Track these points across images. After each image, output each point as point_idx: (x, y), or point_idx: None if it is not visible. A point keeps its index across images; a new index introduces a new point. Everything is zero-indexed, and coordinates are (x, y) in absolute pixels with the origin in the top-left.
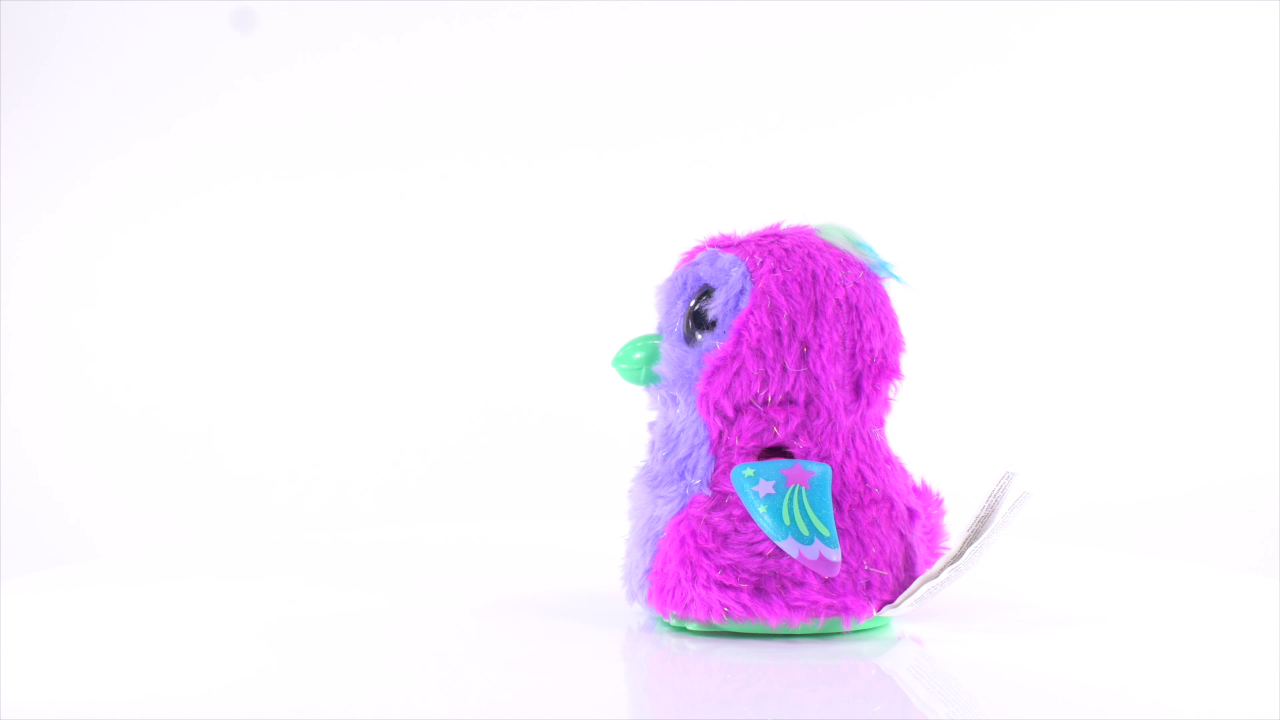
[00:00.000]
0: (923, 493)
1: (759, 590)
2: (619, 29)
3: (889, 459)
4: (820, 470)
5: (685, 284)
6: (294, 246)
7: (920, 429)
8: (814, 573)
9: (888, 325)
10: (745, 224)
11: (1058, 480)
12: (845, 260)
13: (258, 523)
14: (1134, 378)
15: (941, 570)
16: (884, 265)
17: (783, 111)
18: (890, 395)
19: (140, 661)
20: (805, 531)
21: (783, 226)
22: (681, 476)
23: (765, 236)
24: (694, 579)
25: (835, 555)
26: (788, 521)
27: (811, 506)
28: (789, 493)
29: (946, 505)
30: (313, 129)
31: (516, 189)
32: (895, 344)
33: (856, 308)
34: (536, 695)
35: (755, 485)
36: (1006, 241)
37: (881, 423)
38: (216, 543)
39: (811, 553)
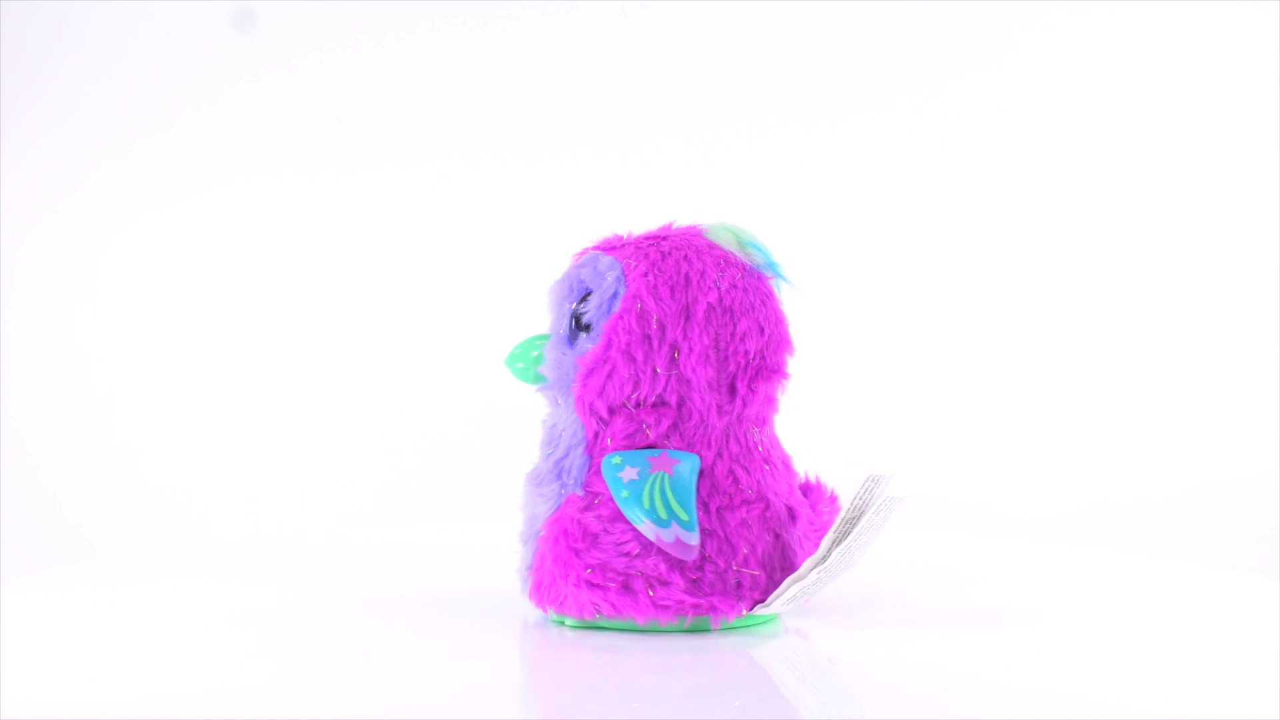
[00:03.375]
0: (815, 489)
1: (627, 589)
2: (619, 29)
3: (768, 459)
4: (686, 460)
5: (571, 286)
6: (293, 246)
7: (913, 430)
8: (679, 573)
9: (768, 326)
10: (642, 224)
11: (1058, 480)
12: (726, 261)
13: (257, 523)
14: (1134, 378)
15: (809, 571)
16: (772, 265)
17: (783, 111)
18: (774, 395)
19: (139, 661)
20: (664, 515)
21: (675, 226)
22: (558, 476)
23: (649, 238)
24: (566, 577)
25: (692, 539)
26: (647, 505)
27: (673, 492)
28: (652, 479)
29: (842, 503)
30: (312, 129)
31: (516, 189)
32: (778, 345)
33: (731, 310)
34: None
35: (620, 471)
36: (1008, 239)
37: (764, 422)
38: (215, 543)
39: (668, 535)
